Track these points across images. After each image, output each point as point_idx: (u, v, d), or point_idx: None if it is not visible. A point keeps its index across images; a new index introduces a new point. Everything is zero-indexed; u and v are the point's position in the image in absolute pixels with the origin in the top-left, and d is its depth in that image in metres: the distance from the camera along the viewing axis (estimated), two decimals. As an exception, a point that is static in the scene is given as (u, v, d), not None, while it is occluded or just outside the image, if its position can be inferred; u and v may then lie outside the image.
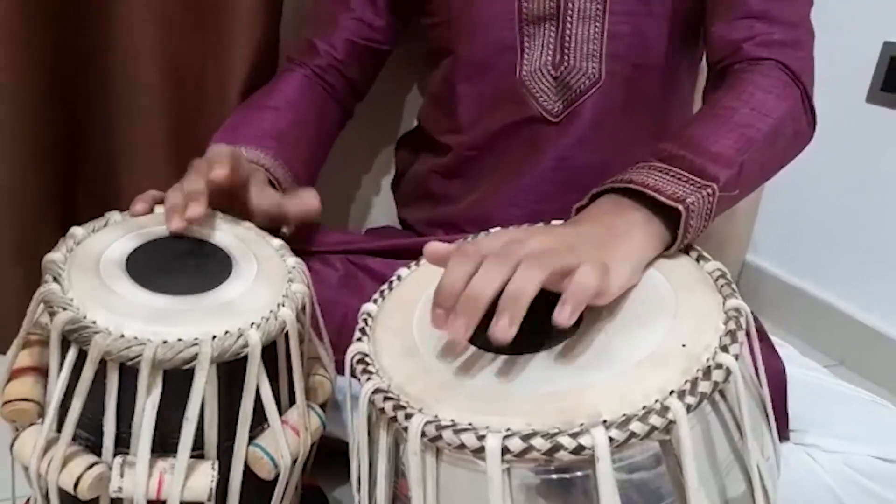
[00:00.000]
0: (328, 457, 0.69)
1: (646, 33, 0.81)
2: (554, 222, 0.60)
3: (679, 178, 0.57)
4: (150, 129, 0.93)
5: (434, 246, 0.50)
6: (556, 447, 0.41)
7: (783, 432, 0.69)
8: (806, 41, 0.75)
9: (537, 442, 0.42)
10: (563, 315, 0.45)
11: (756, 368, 0.53)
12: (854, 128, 1.18)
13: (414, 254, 0.59)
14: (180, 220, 0.59)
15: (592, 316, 0.50)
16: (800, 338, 1.27)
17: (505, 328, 0.44)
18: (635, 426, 0.42)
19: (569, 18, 0.80)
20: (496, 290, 0.45)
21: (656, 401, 0.43)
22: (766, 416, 0.53)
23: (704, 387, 0.44)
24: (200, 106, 0.92)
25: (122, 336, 0.49)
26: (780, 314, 1.32)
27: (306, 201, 0.70)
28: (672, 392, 0.43)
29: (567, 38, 0.81)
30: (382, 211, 1.11)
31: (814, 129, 0.75)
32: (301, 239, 0.80)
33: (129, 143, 0.94)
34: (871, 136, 1.17)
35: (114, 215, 0.61)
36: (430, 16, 0.88)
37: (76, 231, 0.58)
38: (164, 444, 0.52)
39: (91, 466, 0.51)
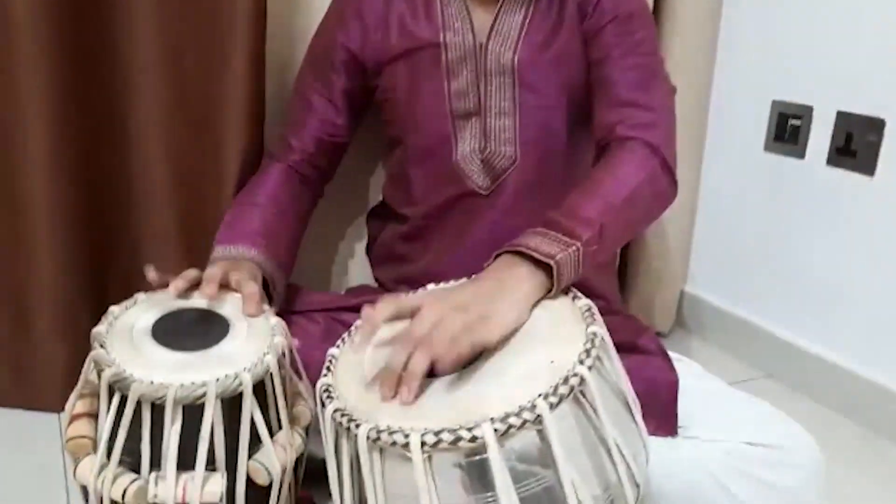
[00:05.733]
0: (319, 475, 0.84)
1: (549, 123, 0.99)
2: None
3: (553, 240, 0.75)
4: (164, 221, 1.12)
5: (367, 311, 0.69)
6: (458, 438, 0.59)
7: (673, 429, 0.85)
8: (662, 121, 0.92)
9: (445, 436, 0.60)
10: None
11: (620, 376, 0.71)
12: (757, 171, 1.35)
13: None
14: (184, 282, 0.81)
15: (493, 347, 0.69)
16: (733, 354, 1.42)
17: (407, 397, 0.64)
18: (512, 419, 0.60)
19: (488, 114, 0.99)
20: (401, 365, 0.65)
21: (528, 401, 0.61)
22: (631, 411, 0.71)
23: (563, 390, 0.62)
24: (205, 201, 1.11)
25: (152, 383, 0.68)
26: (715, 335, 1.47)
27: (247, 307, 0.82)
28: (540, 395, 0.62)
29: (488, 130, 1.00)
30: (358, 272, 1.28)
31: (675, 187, 0.92)
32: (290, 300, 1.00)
33: (148, 233, 1.13)
34: (771, 178, 1.33)
35: (139, 295, 0.81)
36: (383, 114, 1.08)
37: (113, 309, 0.78)
38: (185, 462, 0.69)
39: (133, 481, 0.69)
